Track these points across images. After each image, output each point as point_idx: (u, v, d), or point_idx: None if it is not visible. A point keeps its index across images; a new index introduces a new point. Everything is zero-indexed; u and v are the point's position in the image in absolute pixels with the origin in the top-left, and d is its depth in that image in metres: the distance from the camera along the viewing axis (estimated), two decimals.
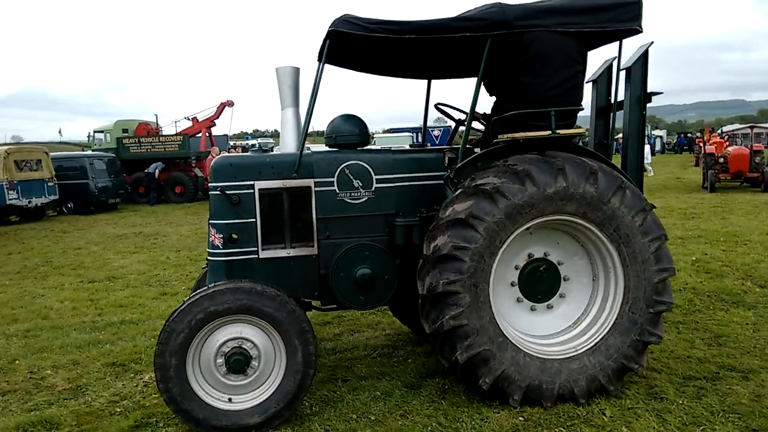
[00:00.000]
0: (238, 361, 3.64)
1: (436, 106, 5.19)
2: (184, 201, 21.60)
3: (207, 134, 24.74)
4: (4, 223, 17.15)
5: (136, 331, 6.10)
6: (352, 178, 4.25)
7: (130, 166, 22.61)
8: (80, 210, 19.52)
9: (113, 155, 21.78)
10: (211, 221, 4.18)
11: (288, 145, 4.51)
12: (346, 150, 4.42)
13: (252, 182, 4.11)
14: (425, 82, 5.66)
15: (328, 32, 3.90)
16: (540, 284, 4.15)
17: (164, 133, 26.03)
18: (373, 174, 4.27)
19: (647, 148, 24.03)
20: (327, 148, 4.65)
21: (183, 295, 7.24)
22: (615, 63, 4.57)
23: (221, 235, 4.10)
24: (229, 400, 3.68)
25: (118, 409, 4.23)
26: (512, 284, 4.15)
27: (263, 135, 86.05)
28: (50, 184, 18.38)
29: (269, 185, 4.14)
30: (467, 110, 4.53)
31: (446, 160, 4.43)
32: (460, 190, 3.87)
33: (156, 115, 29.02)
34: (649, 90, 4.51)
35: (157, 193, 21.67)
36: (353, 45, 4.21)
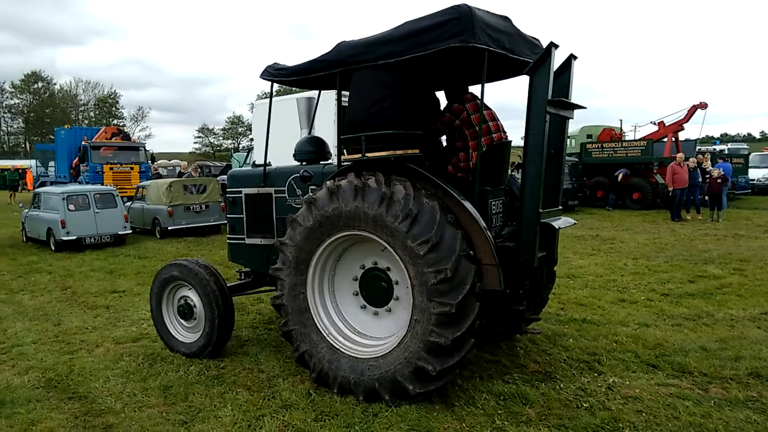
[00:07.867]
0: (182, 312, 5.44)
1: None
2: (641, 208, 20.33)
3: (673, 139, 22.92)
4: None
5: (597, 332, 6.08)
6: (296, 187, 5.33)
7: (591, 171, 22.55)
8: None
9: (576, 159, 22.48)
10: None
11: None
12: (297, 164, 5.45)
13: (241, 189, 5.77)
14: None
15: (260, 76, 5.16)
16: (376, 290, 4.45)
17: (626, 138, 25.89)
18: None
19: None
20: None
21: (642, 304, 7.30)
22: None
23: (228, 226, 5.96)
24: (178, 332, 5.55)
25: (585, 404, 4.32)
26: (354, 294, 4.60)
27: (734, 139, 69.91)
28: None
29: (250, 191, 5.69)
30: None
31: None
32: None
33: (621, 120, 28.04)
34: (563, 101, 4.20)
35: (615, 197, 21.22)
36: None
